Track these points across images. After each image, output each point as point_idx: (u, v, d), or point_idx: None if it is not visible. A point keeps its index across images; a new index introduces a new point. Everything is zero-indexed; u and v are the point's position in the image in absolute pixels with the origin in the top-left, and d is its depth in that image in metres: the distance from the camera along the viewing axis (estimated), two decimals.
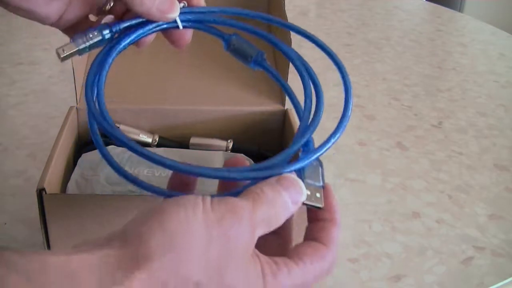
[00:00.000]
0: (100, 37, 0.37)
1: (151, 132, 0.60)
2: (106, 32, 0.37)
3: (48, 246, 0.48)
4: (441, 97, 0.89)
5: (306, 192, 0.32)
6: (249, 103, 0.62)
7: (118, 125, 0.60)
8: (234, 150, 0.59)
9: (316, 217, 0.34)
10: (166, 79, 0.64)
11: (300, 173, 0.34)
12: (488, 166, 0.71)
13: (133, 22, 0.38)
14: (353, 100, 0.91)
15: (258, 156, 0.58)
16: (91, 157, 0.55)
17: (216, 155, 0.57)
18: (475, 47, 1.13)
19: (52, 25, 0.39)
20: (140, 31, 0.38)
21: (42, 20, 0.38)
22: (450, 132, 0.78)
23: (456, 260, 0.54)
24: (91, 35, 0.37)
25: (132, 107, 0.61)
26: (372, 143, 0.74)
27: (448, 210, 0.62)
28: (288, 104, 0.61)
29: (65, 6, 0.38)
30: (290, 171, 0.33)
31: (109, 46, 0.38)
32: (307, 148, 0.36)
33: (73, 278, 0.25)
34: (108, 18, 0.39)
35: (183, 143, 0.60)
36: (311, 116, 0.38)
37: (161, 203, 0.29)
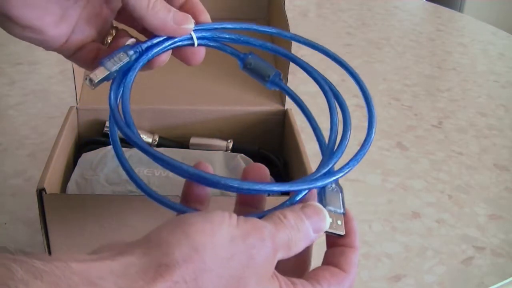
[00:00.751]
0: (127, 59, 0.37)
1: (151, 132, 0.60)
2: (131, 53, 0.37)
3: (48, 246, 0.48)
4: (441, 97, 0.89)
5: (329, 221, 0.33)
6: (249, 103, 0.62)
7: None
8: (234, 150, 0.59)
9: (336, 243, 0.34)
10: (166, 79, 0.64)
11: (321, 198, 0.34)
12: (488, 166, 0.71)
13: (154, 41, 0.38)
14: (353, 101, 0.91)
15: (258, 156, 0.58)
16: (91, 157, 0.55)
17: (216, 155, 0.57)
18: (475, 47, 1.13)
19: (56, 49, 0.39)
20: (155, 50, 0.38)
21: (49, 42, 0.38)
22: (450, 132, 0.78)
23: (456, 260, 0.54)
24: (119, 57, 0.37)
25: (132, 107, 0.60)
26: (372, 143, 0.74)
27: (448, 210, 0.62)
28: (288, 104, 0.61)
29: (71, 28, 0.38)
30: (309, 188, 0.33)
31: (126, 67, 0.38)
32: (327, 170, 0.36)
33: (95, 286, 0.25)
34: (131, 40, 0.39)
35: (183, 143, 0.60)
36: (337, 141, 0.38)
37: (188, 215, 0.29)
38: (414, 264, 0.54)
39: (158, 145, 0.59)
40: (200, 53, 0.40)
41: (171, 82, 0.64)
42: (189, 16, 0.38)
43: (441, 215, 0.61)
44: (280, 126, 0.62)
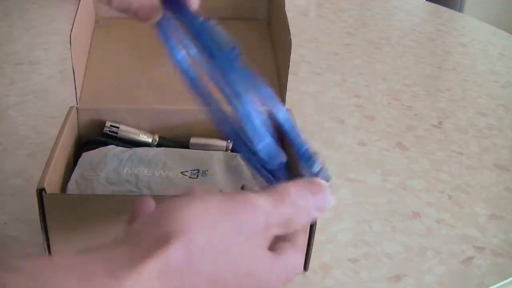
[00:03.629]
0: None
1: (151, 132, 0.60)
2: None
3: (48, 246, 0.48)
4: (441, 97, 0.89)
5: (332, 199, 0.32)
6: None
7: (118, 125, 0.60)
8: (234, 150, 0.59)
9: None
10: (166, 79, 0.64)
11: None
12: (488, 166, 0.71)
13: None
14: (353, 100, 0.91)
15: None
16: (91, 157, 0.55)
17: (216, 155, 0.57)
18: (475, 47, 1.13)
19: None
20: None
21: None
22: (450, 132, 0.78)
23: (456, 260, 0.54)
24: None
25: (132, 107, 0.61)
26: (372, 143, 0.74)
27: (448, 210, 0.62)
28: (288, 104, 0.61)
29: None
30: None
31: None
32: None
33: (83, 270, 0.25)
34: None
35: (183, 143, 0.60)
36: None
37: (172, 201, 0.30)
38: (414, 264, 0.54)
39: (158, 145, 0.59)
40: None
41: (171, 82, 0.64)
42: None
43: (441, 215, 0.61)
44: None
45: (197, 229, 0.28)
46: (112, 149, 0.57)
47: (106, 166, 0.54)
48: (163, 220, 0.28)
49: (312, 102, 0.84)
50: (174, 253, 0.27)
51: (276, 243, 0.33)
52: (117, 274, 0.25)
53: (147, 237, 0.28)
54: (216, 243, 0.28)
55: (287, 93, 0.60)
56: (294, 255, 0.33)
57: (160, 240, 0.27)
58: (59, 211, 0.46)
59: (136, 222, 0.30)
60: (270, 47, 0.68)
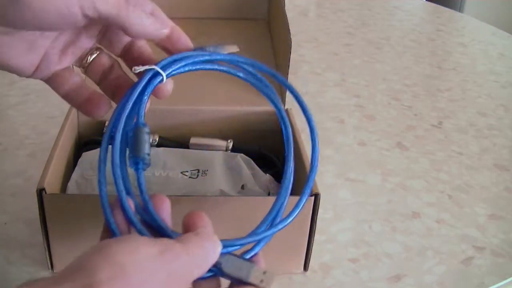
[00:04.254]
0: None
1: (151, 132, 0.60)
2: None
3: (48, 246, 0.48)
4: (441, 97, 0.89)
5: (220, 244, 0.34)
6: (249, 103, 0.62)
7: None
8: (234, 150, 0.59)
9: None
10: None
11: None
12: (488, 166, 0.71)
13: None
14: (353, 100, 0.91)
15: (258, 156, 0.58)
16: (91, 157, 0.55)
17: (216, 155, 0.57)
18: (475, 47, 1.13)
19: (28, 77, 0.38)
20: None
21: (17, 71, 0.37)
22: (450, 132, 0.78)
23: (456, 260, 0.54)
24: None
25: None
26: (372, 143, 0.74)
27: (448, 210, 0.62)
28: (288, 104, 0.61)
29: (40, 58, 0.37)
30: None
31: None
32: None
33: None
34: None
35: (183, 143, 0.60)
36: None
37: (107, 241, 0.31)
38: (414, 264, 0.54)
39: (158, 145, 0.59)
40: (166, 88, 0.41)
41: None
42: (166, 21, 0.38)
43: (441, 215, 0.61)
44: (280, 126, 0.62)
45: (131, 274, 0.29)
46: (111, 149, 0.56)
47: (106, 166, 0.54)
48: (97, 261, 0.29)
49: (312, 102, 0.84)
50: None
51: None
52: None
53: (85, 276, 0.28)
54: (151, 285, 0.29)
55: (287, 93, 0.60)
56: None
57: (96, 281, 0.28)
58: (59, 211, 0.46)
59: (78, 257, 0.30)
60: (270, 47, 0.68)
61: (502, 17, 2.06)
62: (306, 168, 0.49)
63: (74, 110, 0.59)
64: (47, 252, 0.48)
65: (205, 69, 0.41)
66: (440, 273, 0.53)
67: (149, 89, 0.39)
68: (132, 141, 0.38)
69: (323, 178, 0.66)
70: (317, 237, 0.50)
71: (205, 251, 0.33)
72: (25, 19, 0.33)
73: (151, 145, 0.60)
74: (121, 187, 0.37)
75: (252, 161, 0.56)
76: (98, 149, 0.57)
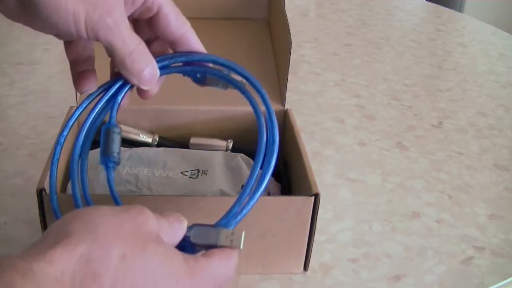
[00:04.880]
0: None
1: (151, 132, 0.60)
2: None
3: None
4: (441, 97, 0.89)
5: (185, 219, 0.35)
6: (249, 103, 0.62)
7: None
8: (234, 150, 0.59)
9: None
10: (166, 79, 0.64)
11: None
12: (488, 166, 0.71)
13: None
14: (353, 100, 0.91)
15: None
16: (91, 157, 0.55)
17: (216, 155, 0.57)
18: (475, 47, 1.13)
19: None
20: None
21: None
22: (450, 132, 0.78)
23: (456, 260, 0.54)
24: None
25: (132, 107, 0.61)
26: (372, 143, 0.74)
27: (448, 210, 0.62)
28: (288, 104, 0.61)
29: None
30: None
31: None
32: None
33: (1, 259, 0.28)
34: None
35: (183, 143, 0.60)
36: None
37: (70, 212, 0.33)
38: (414, 264, 0.54)
39: (158, 145, 0.59)
40: (153, 90, 0.43)
41: (171, 82, 0.64)
42: (155, 78, 0.41)
43: (441, 215, 0.61)
44: (280, 126, 0.62)
45: (100, 225, 0.30)
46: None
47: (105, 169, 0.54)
48: (67, 220, 0.31)
49: (312, 102, 0.84)
50: (77, 241, 0.29)
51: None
52: (28, 257, 0.28)
53: (53, 233, 0.30)
54: (126, 233, 0.30)
55: (287, 93, 0.60)
56: (222, 261, 0.34)
57: (65, 233, 0.29)
58: (59, 211, 0.46)
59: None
60: (270, 47, 0.68)
61: (502, 17, 2.06)
62: (306, 168, 0.49)
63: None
64: None
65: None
66: (440, 273, 0.53)
67: (123, 92, 0.41)
68: (102, 140, 0.41)
69: (323, 178, 0.66)
70: (317, 237, 0.50)
71: (170, 223, 0.34)
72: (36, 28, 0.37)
73: (151, 145, 0.60)
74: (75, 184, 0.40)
75: (252, 161, 0.56)
76: (98, 149, 0.57)
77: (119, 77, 0.41)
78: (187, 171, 0.54)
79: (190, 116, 0.62)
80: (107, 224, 0.30)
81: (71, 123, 0.42)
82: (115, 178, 0.53)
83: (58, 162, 0.42)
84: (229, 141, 0.59)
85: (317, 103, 0.84)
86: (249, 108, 0.64)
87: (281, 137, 0.63)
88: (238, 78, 0.44)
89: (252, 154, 0.58)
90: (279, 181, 0.55)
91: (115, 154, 0.41)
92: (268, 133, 0.41)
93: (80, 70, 0.42)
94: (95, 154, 0.55)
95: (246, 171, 0.55)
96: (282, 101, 0.62)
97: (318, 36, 1.11)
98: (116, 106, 0.42)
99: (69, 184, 0.52)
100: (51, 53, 0.97)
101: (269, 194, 0.53)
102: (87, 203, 0.39)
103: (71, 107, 0.59)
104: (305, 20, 1.24)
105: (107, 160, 0.41)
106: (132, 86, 0.42)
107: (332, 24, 1.20)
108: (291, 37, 0.58)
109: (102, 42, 0.36)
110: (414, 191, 0.65)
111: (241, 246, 0.35)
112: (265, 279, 0.50)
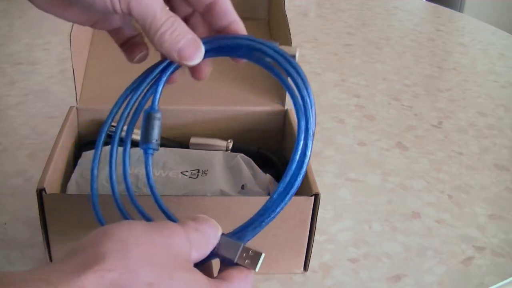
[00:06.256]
0: None
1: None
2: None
3: (48, 246, 0.48)
4: (441, 97, 0.89)
5: (219, 227, 0.36)
6: (249, 103, 0.62)
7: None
8: (234, 150, 0.59)
9: None
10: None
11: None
12: (488, 166, 0.71)
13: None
14: (353, 100, 0.91)
15: (258, 156, 0.58)
16: (91, 157, 0.55)
17: (216, 155, 0.57)
18: (475, 47, 1.13)
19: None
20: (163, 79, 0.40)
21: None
22: (450, 132, 0.78)
23: (456, 260, 0.54)
24: None
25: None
26: (372, 143, 0.74)
27: (448, 210, 0.62)
28: (288, 104, 0.61)
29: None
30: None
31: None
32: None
33: (21, 282, 0.27)
34: None
35: (183, 143, 0.60)
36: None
37: (104, 227, 0.32)
38: (414, 264, 0.54)
39: None
40: (206, 68, 0.41)
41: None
42: (201, 49, 0.38)
43: (441, 215, 0.61)
44: (280, 126, 0.62)
45: (132, 246, 0.30)
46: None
47: (106, 166, 0.54)
48: (100, 238, 0.30)
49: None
50: (109, 266, 0.28)
51: (223, 271, 0.35)
52: (54, 282, 0.27)
53: (85, 254, 0.29)
54: (152, 257, 0.30)
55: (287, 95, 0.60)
56: (241, 284, 0.34)
57: (96, 256, 0.29)
58: (59, 211, 0.46)
59: (78, 242, 0.31)
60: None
61: (502, 17, 2.06)
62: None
63: (74, 110, 0.59)
64: (47, 252, 0.48)
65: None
66: (440, 273, 0.53)
67: (166, 74, 0.39)
68: (143, 125, 0.40)
69: (323, 178, 0.66)
70: (317, 237, 0.50)
71: (205, 234, 0.34)
72: None
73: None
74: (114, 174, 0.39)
75: (252, 161, 0.56)
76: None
77: (163, 60, 0.40)
78: (187, 171, 0.54)
79: (190, 116, 0.62)
80: (140, 247, 0.30)
81: (120, 102, 0.41)
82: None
83: (99, 162, 0.42)
84: (229, 141, 0.59)
85: (317, 103, 0.84)
86: (249, 108, 0.64)
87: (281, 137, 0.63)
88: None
89: (252, 154, 0.58)
90: (279, 181, 0.55)
91: (154, 141, 0.40)
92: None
93: (122, 39, 0.42)
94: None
95: (246, 171, 0.55)
96: (282, 101, 0.62)
97: (318, 36, 1.11)
98: (159, 89, 0.40)
99: (69, 184, 0.52)
100: (51, 53, 0.97)
101: (269, 194, 0.53)
102: (131, 200, 0.39)
103: (71, 107, 0.59)
104: (305, 20, 1.24)
105: (146, 147, 0.40)
106: (177, 67, 0.40)
107: (332, 24, 1.20)
108: (291, 37, 0.58)
109: (134, 16, 0.35)
110: (414, 191, 0.65)
111: (257, 269, 0.35)
112: (266, 279, 0.50)
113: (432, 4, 1.42)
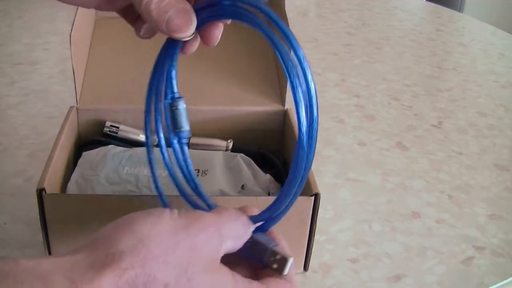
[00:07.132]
0: None
1: (152, 132, 0.60)
2: None
3: (48, 246, 0.48)
4: (441, 97, 0.89)
5: (252, 223, 0.35)
6: (249, 103, 0.62)
7: (118, 125, 0.60)
8: (234, 150, 0.59)
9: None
10: None
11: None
12: (488, 166, 0.71)
13: None
14: (353, 100, 0.91)
15: (258, 156, 0.58)
16: (91, 157, 0.55)
17: (216, 155, 0.57)
18: (475, 47, 1.13)
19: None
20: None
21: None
22: (450, 132, 0.78)
23: (456, 260, 0.54)
24: None
25: (132, 107, 0.61)
26: (372, 143, 0.74)
27: (448, 210, 0.62)
28: (288, 104, 0.61)
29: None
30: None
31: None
32: None
33: (44, 278, 0.26)
34: None
35: None
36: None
37: (130, 214, 0.31)
38: (414, 264, 0.54)
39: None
40: (215, 32, 0.37)
41: None
42: (192, 20, 0.34)
43: (441, 215, 0.61)
44: (280, 126, 0.62)
45: (153, 245, 0.29)
46: (112, 149, 0.57)
47: (106, 166, 0.54)
48: (122, 232, 0.30)
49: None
50: (126, 265, 0.28)
51: (261, 273, 0.34)
52: (75, 278, 0.27)
53: (103, 247, 0.29)
54: (173, 258, 0.30)
55: (287, 93, 0.60)
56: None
57: (114, 254, 0.28)
58: (59, 211, 0.46)
59: (102, 229, 0.31)
60: (270, 47, 0.68)
61: (502, 17, 2.06)
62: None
63: (74, 110, 0.59)
64: (47, 252, 0.48)
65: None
66: (440, 273, 0.53)
67: (175, 59, 0.37)
68: (167, 116, 0.39)
69: (323, 178, 0.66)
70: (317, 237, 0.50)
71: (238, 223, 0.34)
72: None
73: (152, 146, 0.60)
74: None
75: (252, 161, 0.56)
76: (98, 149, 0.57)
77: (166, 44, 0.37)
78: None
79: (190, 116, 0.61)
80: (160, 248, 0.29)
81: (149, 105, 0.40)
82: (114, 178, 0.53)
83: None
84: (229, 141, 0.59)
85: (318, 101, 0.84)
86: (249, 108, 0.64)
87: (281, 137, 0.63)
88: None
89: (252, 154, 0.58)
90: (279, 181, 0.55)
91: (183, 129, 0.38)
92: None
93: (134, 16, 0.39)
94: (95, 155, 0.56)
95: (246, 171, 0.55)
96: (282, 101, 0.62)
97: (318, 36, 1.11)
98: (173, 72, 0.38)
99: (69, 184, 0.52)
100: (51, 53, 0.97)
101: (269, 194, 0.53)
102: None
103: (71, 107, 0.59)
104: (305, 20, 1.24)
105: (177, 136, 0.39)
106: (180, 45, 0.37)
107: (332, 24, 1.20)
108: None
109: None
110: (414, 191, 0.65)
111: (286, 272, 0.35)
112: None
113: (432, 4, 1.42)
